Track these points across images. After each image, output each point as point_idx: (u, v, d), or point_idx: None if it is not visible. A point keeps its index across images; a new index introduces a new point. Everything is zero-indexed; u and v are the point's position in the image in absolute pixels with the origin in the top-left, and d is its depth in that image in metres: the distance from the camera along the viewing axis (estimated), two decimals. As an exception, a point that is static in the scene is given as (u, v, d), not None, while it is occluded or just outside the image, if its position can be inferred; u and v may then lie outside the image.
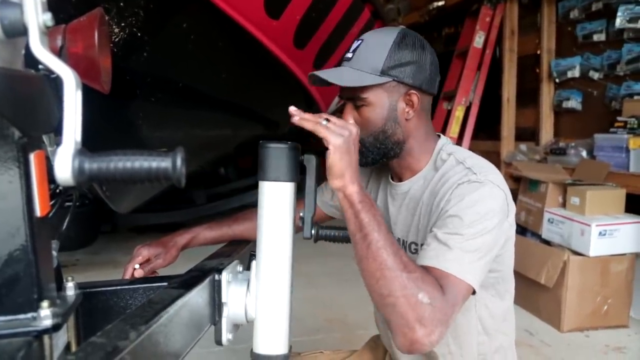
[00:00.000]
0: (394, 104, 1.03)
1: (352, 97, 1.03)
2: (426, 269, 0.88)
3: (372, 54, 1.02)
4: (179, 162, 0.53)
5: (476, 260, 0.91)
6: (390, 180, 1.15)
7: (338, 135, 0.87)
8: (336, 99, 2.74)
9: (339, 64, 1.07)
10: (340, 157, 0.86)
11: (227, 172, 4.72)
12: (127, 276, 1.13)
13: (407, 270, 0.83)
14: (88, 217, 4.12)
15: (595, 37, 3.26)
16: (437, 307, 0.81)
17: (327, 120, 0.89)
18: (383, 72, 1.00)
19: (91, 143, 0.57)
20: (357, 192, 0.88)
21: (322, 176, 0.94)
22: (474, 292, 0.91)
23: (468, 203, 0.93)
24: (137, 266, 1.15)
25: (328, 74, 1.02)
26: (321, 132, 0.87)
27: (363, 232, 0.86)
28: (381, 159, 1.07)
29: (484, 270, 0.94)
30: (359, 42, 1.04)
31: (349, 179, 0.87)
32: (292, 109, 0.90)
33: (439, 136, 1.12)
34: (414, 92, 1.03)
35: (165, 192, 2.84)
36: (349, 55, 1.04)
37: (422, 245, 1.03)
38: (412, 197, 1.09)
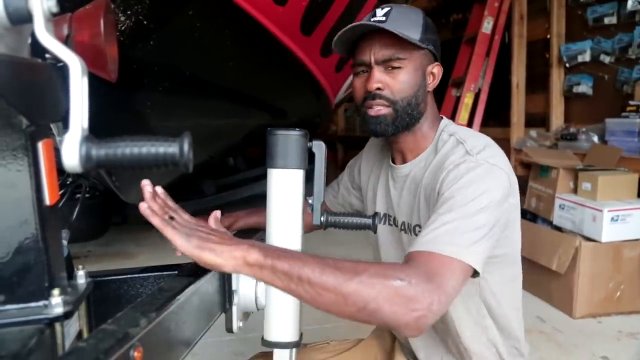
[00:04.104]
0: (425, 71, 1.04)
1: (389, 58, 1.00)
2: (416, 255, 0.83)
3: (409, 20, 1.01)
4: (186, 147, 0.52)
5: (476, 240, 0.85)
6: (392, 164, 1.14)
7: (183, 235, 0.71)
8: (345, 86, 2.71)
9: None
10: (215, 255, 0.71)
11: (236, 162, 4.72)
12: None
13: (360, 273, 0.74)
14: (99, 209, 4.15)
15: (606, 20, 3.20)
16: (419, 281, 0.75)
17: (172, 218, 0.74)
18: (421, 40, 1.00)
19: (99, 133, 0.57)
20: (257, 252, 0.72)
21: (330, 163, 0.93)
22: (476, 274, 0.86)
23: (464, 183, 0.90)
24: None
25: (377, 23, 0.98)
26: (167, 233, 0.71)
27: (294, 278, 0.73)
28: (402, 130, 1.04)
29: (486, 250, 0.88)
30: (387, 8, 1.01)
31: (240, 252, 0.72)
32: (144, 182, 0.75)
33: (442, 118, 1.12)
34: (438, 64, 1.07)
35: (174, 183, 2.84)
36: (382, 17, 0.99)
37: None
38: (413, 179, 1.08)
